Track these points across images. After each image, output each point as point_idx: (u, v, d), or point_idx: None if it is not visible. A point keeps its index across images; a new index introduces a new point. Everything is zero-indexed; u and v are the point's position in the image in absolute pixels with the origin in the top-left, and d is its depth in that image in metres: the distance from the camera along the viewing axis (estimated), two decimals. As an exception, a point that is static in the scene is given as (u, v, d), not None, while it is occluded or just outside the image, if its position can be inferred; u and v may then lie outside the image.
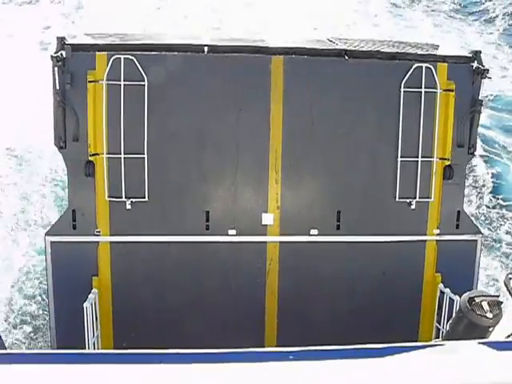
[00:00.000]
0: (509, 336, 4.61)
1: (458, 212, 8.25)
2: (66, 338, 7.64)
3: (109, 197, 7.67)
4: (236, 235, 7.89)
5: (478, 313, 4.79)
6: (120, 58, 7.53)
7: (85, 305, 7.00)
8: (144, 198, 7.67)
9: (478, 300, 4.84)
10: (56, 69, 7.40)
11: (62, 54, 7.42)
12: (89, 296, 7.27)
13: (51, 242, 7.71)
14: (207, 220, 7.88)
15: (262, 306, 8.02)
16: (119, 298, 7.84)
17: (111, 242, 7.80)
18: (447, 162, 8.06)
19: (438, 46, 8.83)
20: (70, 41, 7.59)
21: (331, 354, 2.32)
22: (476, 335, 4.63)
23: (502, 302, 4.90)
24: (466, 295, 4.94)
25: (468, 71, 8.05)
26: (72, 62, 7.50)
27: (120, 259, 7.84)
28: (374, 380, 2.06)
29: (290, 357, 2.56)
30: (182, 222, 7.91)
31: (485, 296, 4.91)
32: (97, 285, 7.69)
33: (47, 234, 7.76)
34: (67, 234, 7.72)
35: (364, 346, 2.57)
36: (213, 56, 7.75)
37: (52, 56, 7.37)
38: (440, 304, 7.87)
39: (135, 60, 7.54)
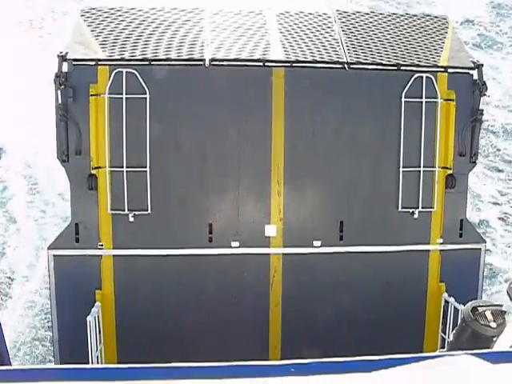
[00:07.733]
0: (513, 345, 4.58)
1: (461, 221, 8.24)
2: (70, 352, 7.63)
3: (111, 210, 7.69)
4: (239, 247, 7.90)
5: (482, 322, 4.74)
6: (122, 72, 7.58)
7: (88, 318, 6.99)
8: (147, 210, 7.68)
9: (481, 309, 4.79)
10: (58, 84, 7.46)
11: (63, 69, 7.48)
12: (92, 310, 7.27)
13: (54, 256, 7.73)
14: (210, 232, 7.88)
15: (266, 317, 7.99)
16: (122, 311, 7.83)
17: (114, 256, 7.80)
18: (449, 171, 8.06)
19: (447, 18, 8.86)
20: (71, 55, 7.64)
21: (334, 366, 2.32)
22: (480, 345, 4.59)
23: (505, 312, 4.86)
24: (469, 305, 4.90)
25: (468, 81, 8.06)
26: (74, 77, 7.56)
27: (123, 272, 7.84)
28: None
29: (292, 369, 2.56)
30: (184, 235, 7.91)
31: (488, 305, 4.86)
32: (100, 298, 7.68)
33: (50, 247, 7.77)
34: (70, 247, 7.74)
35: (365, 358, 2.57)
36: (214, 69, 7.79)
37: (55, 74, 7.42)
38: (445, 313, 7.82)
39: (137, 73, 7.59)
